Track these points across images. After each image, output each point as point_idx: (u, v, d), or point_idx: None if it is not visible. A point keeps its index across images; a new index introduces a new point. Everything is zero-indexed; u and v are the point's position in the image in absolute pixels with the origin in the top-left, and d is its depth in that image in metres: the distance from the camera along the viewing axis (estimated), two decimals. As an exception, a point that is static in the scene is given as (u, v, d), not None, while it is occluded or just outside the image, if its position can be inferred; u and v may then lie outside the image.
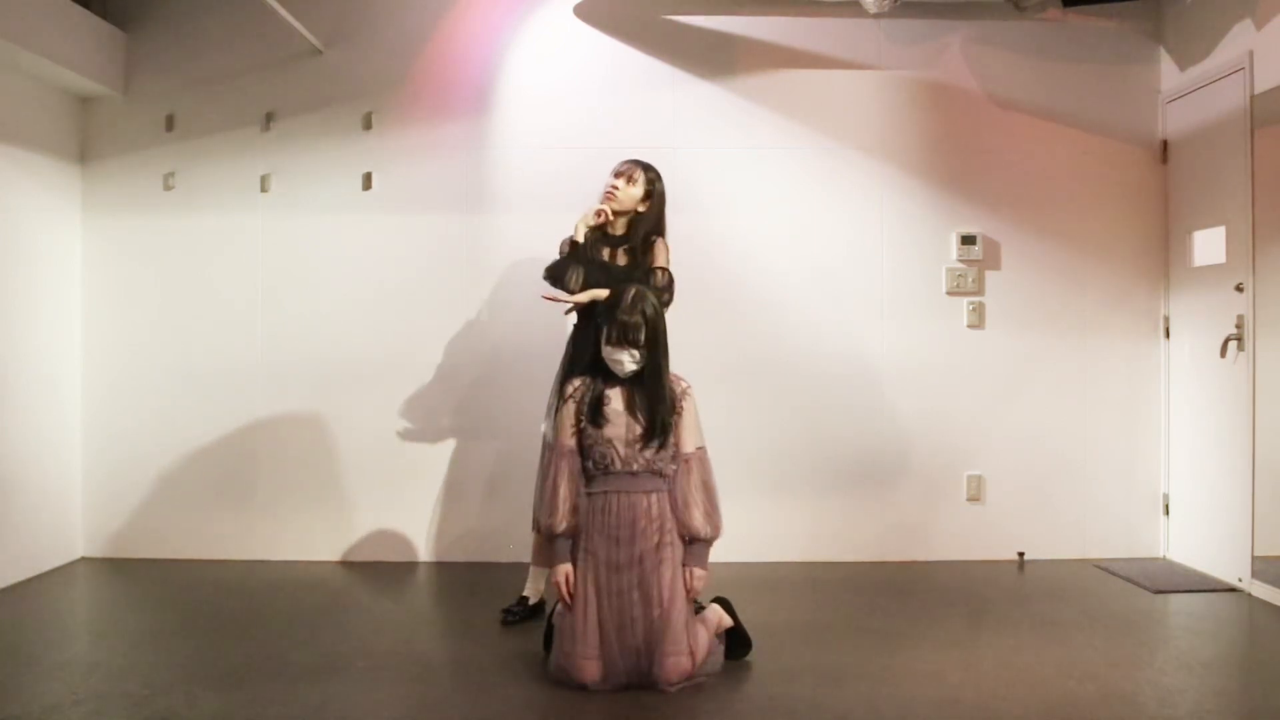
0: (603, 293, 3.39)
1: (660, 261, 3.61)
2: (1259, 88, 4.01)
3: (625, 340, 3.08)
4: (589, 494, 3.11)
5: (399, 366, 4.60)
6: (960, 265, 4.68)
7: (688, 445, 3.16)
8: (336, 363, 4.61)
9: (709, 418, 3.28)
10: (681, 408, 3.16)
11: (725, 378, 4.50)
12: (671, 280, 3.59)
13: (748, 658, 3.25)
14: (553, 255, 3.65)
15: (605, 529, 3.06)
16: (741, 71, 4.67)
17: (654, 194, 3.67)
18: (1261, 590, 3.98)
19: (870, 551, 4.63)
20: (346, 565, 4.57)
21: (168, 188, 4.65)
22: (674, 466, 3.14)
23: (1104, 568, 4.48)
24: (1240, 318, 4.10)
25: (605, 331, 3.11)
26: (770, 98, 4.67)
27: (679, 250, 3.71)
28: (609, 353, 3.11)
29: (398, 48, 4.65)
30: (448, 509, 4.61)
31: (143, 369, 4.63)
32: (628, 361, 3.10)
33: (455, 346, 4.62)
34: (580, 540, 3.09)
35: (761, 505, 4.56)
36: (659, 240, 3.66)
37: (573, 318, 3.71)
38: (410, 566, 4.56)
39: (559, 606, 3.14)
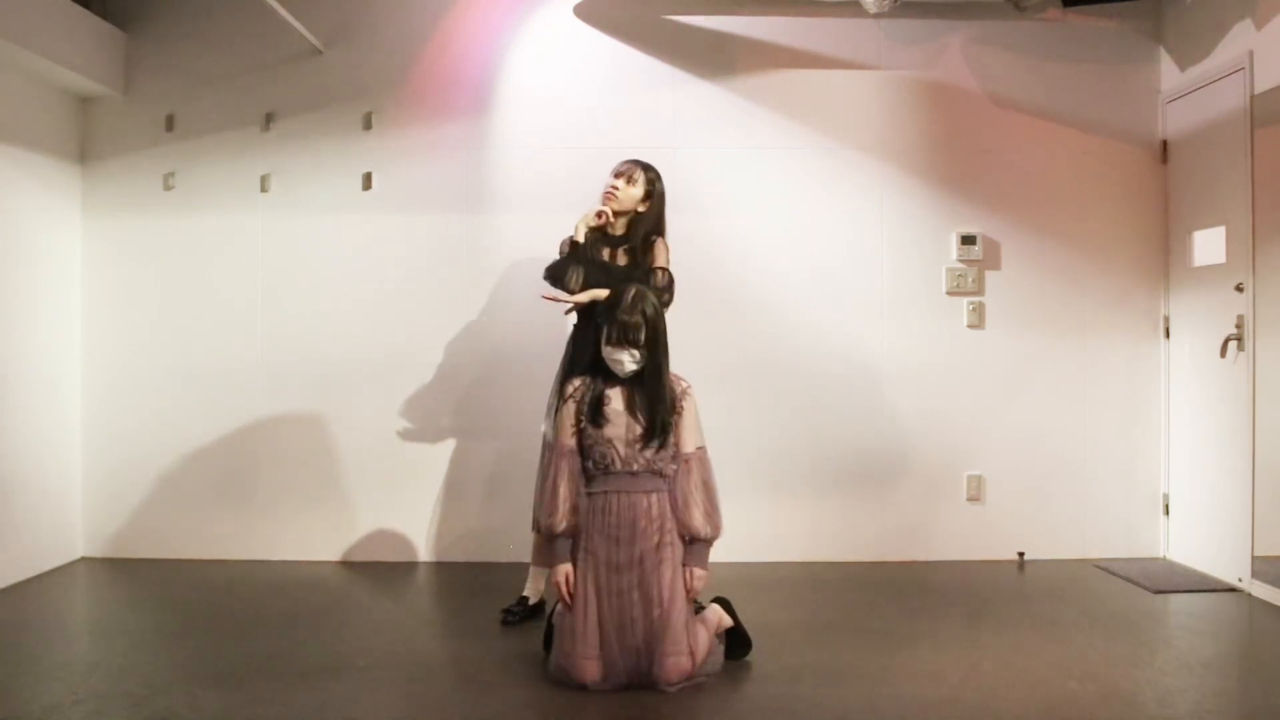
0: (603, 293, 3.39)
1: (660, 261, 3.61)
2: (1259, 88, 4.01)
3: (625, 340, 3.08)
4: (589, 494, 3.11)
5: (399, 366, 4.60)
6: (960, 265, 4.68)
7: (688, 445, 3.16)
8: (336, 363, 4.61)
9: (709, 418, 3.28)
10: (682, 408, 3.16)
11: (725, 378, 4.50)
12: (672, 280, 3.59)
13: (748, 658, 3.25)
14: (553, 255, 3.65)
15: (605, 529, 3.06)
16: (741, 71, 4.68)
17: (654, 194, 3.67)
18: (1261, 590, 3.98)
19: (870, 551, 4.63)
20: (346, 565, 4.57)
21: (168, 188, 4.65)
22: (674, 466, 3.14)
23: (1104, 568, 4.48)
24: (1240, 318, 4.10)
25: (605, 331, 3.11)
26: (770, 98, 4.67)
27: (679, 250, 3.72)
28: (609, 352, 3.11)
29: (398, 48, 4.65)
30: (448, 509, 4.61)
31: (143, 369, 4.63)
32: (628, 361, 3.10)
33: (455, 346, 4.62)
34: (580, 540, 3.09)
35: (761, 505, 4.57)
36: (659, 240, 3.66)
37: (573, 318, 3.71)
38: (410, 566, 4.56)
39: (559, 606, 3.14)
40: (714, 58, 4.67)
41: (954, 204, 4.68)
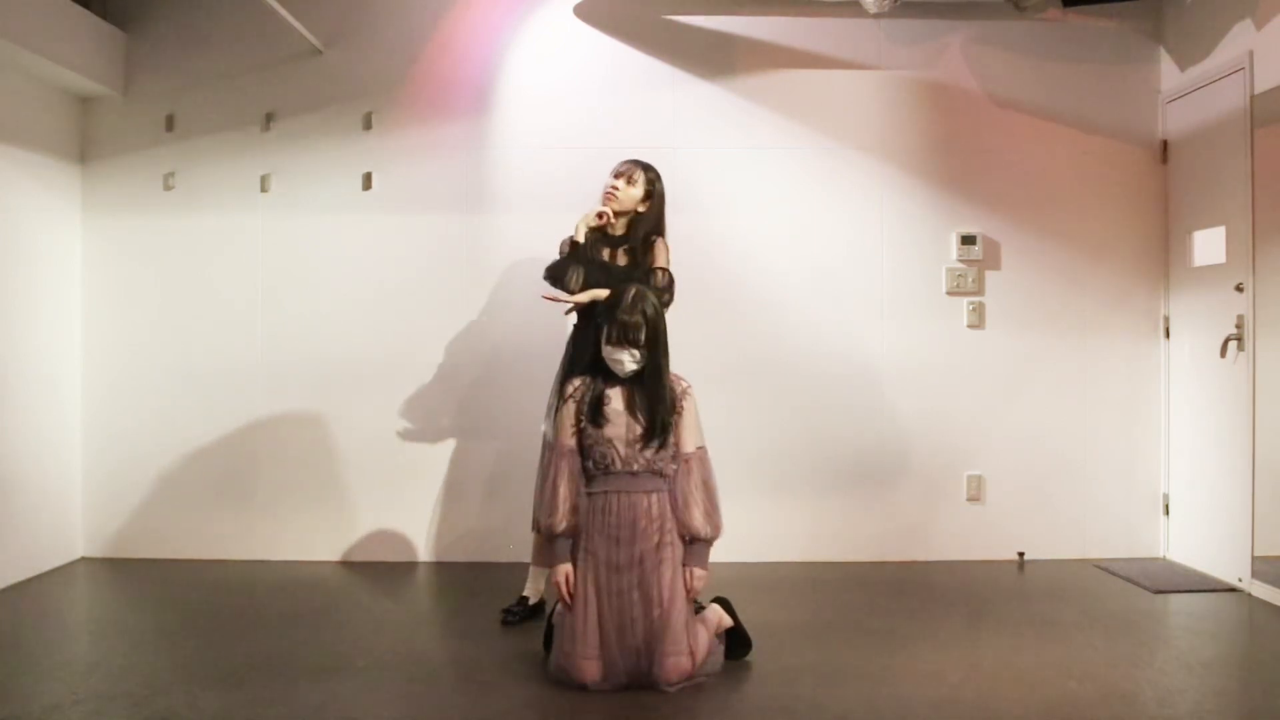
0: (603, 293, 3.39)
1: (660, 262, 3.62)
2: (1259, 88, 4.01)
3: (625, 340, 3.08)
4: (589, 494, 3.11)
5: (399, 366, 4.60)
6: (960, 265, 4.68)
7: (688, 445, 3.16)
8: (336, 363, 4.61)
9: (709, 418, 3.28)
10: (682, 407, 3.16)
11: (725, 378, 4.50)
12: (672, 280, 3.59)
13: (748, 658, 3.25)
14: (553, 255, 3.65)
15: (605, 529, 3.06)
16: (741, 71, 4.68)
17: (654, 194, 3.67)
18: (1261, 590, 3.98)
19: (870, 551, 4.63)
20: (346, 565, 4.57)
21: (168, 188, 4.65)
22: (674, 466, 3.14)
23: (1104, 568, 4.48)
24: (1240, 318, 4.10)
25: (605, 331, 3.11)
26: (770, 98, 4.67)
27: (679, 250, 3.72)
28: (609, 352, 3.11)
29: (398, 48, 4.65)
30: (448, 509, 4.61)
31: (143, 369, 4.63)
32: (628, 361, 3.10)
33: (455, 346, 4.62)
34: (580, 540, 3.09)
35: (761, 505, 4.57)
36: (659, 240, 3.66)
37: (573, 318, 3.71)
38: (410, 566, 4.56)
39: (559, 606, 3.14)
40: (714, 58, 4.67)
41: (954, 204, 4.68)
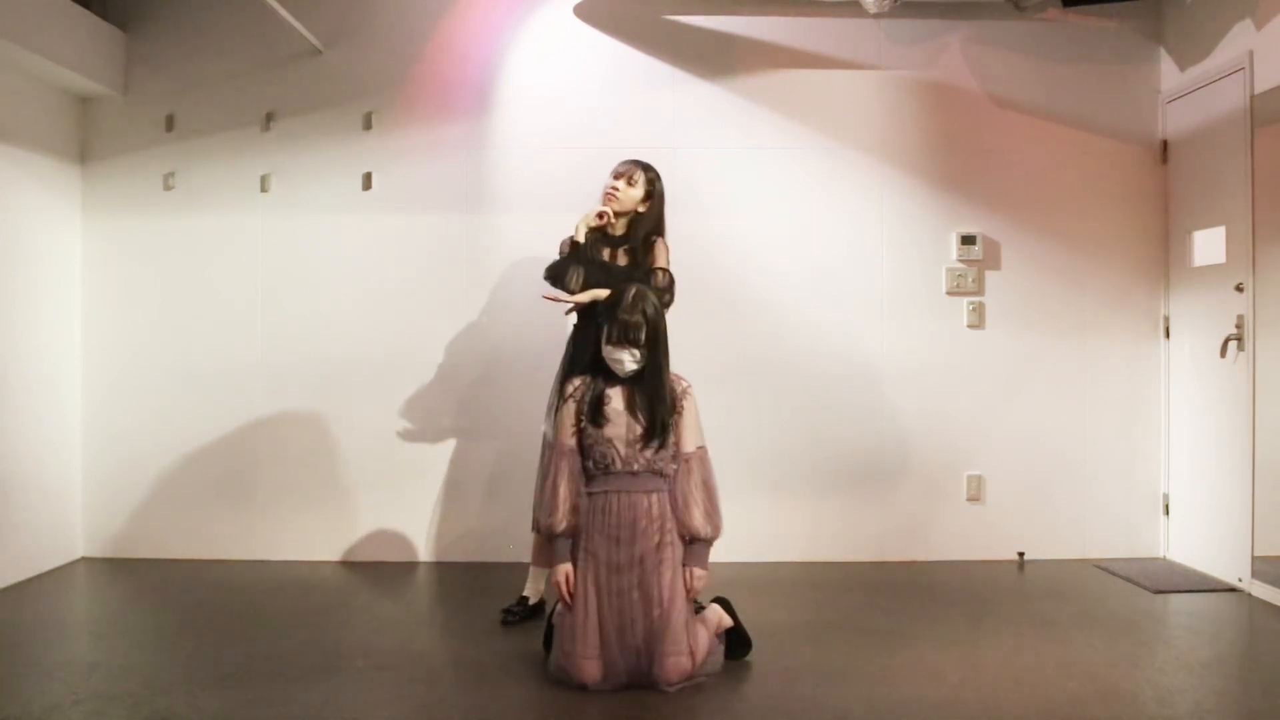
0: (603, 293, 3.39)
1: (661, 262, 3.62)
2: (1259, 88, 4.01)
3: (626, 340, 3.08)
4: (589, 494, 3.11)
5: (399, 366, 4.60)
6: (960, 265, 4.68)
7: (688, 445, 3.16)
8: (336, 363, 4.61)
9: (709, 418, 3.28)
10: (682, 407, 3.16)
11: (725, 378, 4.50)
12: (672, 281, 3.59)
13: (748, 658, 3.25)
14: (553, 255, 3.65)
15: (605, 529, 3.06)
16: (741, 71, 4.68)
17: (654, 194, 3.67)
18: (1261, 590, 3.98)
19: (870, 551, 4.63)
20: (347, 565, 4.57)
21: (168, 188, 4.65)
22: (674, 466, 3.14)
23: (1104, 568, 4.48)
24: (1240, 318, 4.10)
25: (606, 331, 3.11)
26: (770, 98, 4.67)
27: (679, 250, 3.72)
28: (609, 352, 3.11)
29: (398, 48, 4.65)
30: (448, 509, 4.61)
31: (143, 369, 4.63)
32: (628, 361, 3.10)
33: (455, 346, 4.62)
34: (580, 540, 3.09)
35: (761, 505, 4.57)
36: (659, 240, 3.66)
37: (573, 318, 3.71)
38: (410, 566, 4.56)
39: (559, 606, 3.14)
40: (714, 58, 4.67)
41: (954, 204, 4.68)
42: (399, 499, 4.60)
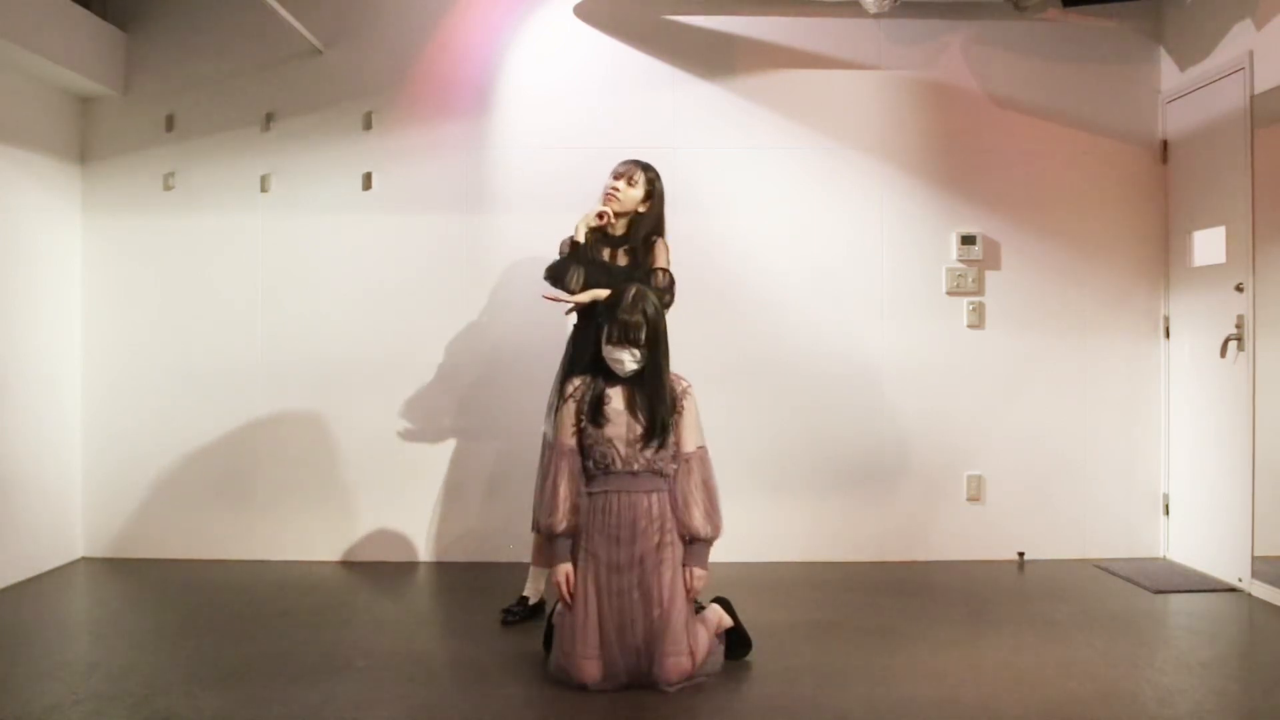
0: (603, 293, 3.39)
1: (661, 262, 3.62)
2: (1259, 88, 4.01)
3: (626, 339, 3.08)
4: (589, 494, 3.11)
5: (399, 366, 4.60)
6: (960, 265, 4.68)
7: (688, 445, 3.16)
8: (336, 363, 4.61)
9: (709, 418, 3.28)
10: (682, 407, 3.16)
11: (725, 378, 4.50)
12: (673, 281, 3.59)
13: (748, 658, 3.26)
14: (553, 255, 3.65)
15: (606, 529, 3.06)
16: (741, 71, 4.68)
17: (654, 194, 3.67)
18: (1261, 590, 3.98)
19: (870, 551, 4.63)
20: (347, 565, 4.57)
21: (168, 188, 4.65)
22: (674, 466, 3.14)
23: (1104, 568, 4.48)
24: (1240, 318, 4.10)
25: (606, 330, 3.11)
26: (770, 98, 4.67)
27: (679, 250, 3.71)
28: (609, 352, 3.11)
29: (398, 48, 4.65)
30: (448, 509, 4.61)
31: (143, 369, 4.63)
32: (628, 361, 3.09)
33: (455, 346, 4.62)
34: (580, 540, 3.09)
35: (761, 505, 4.56)
36: (659, 241, 3.66)
37: (573, 318, 3.71)
38: (410, 566, 4.56)
39: (559, 606, 3.14)
40: (714, 58, 4.67)
41: (954, 204, 4.68)
42: (399, 499, 4.60)
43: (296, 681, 3.04)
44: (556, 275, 3.57)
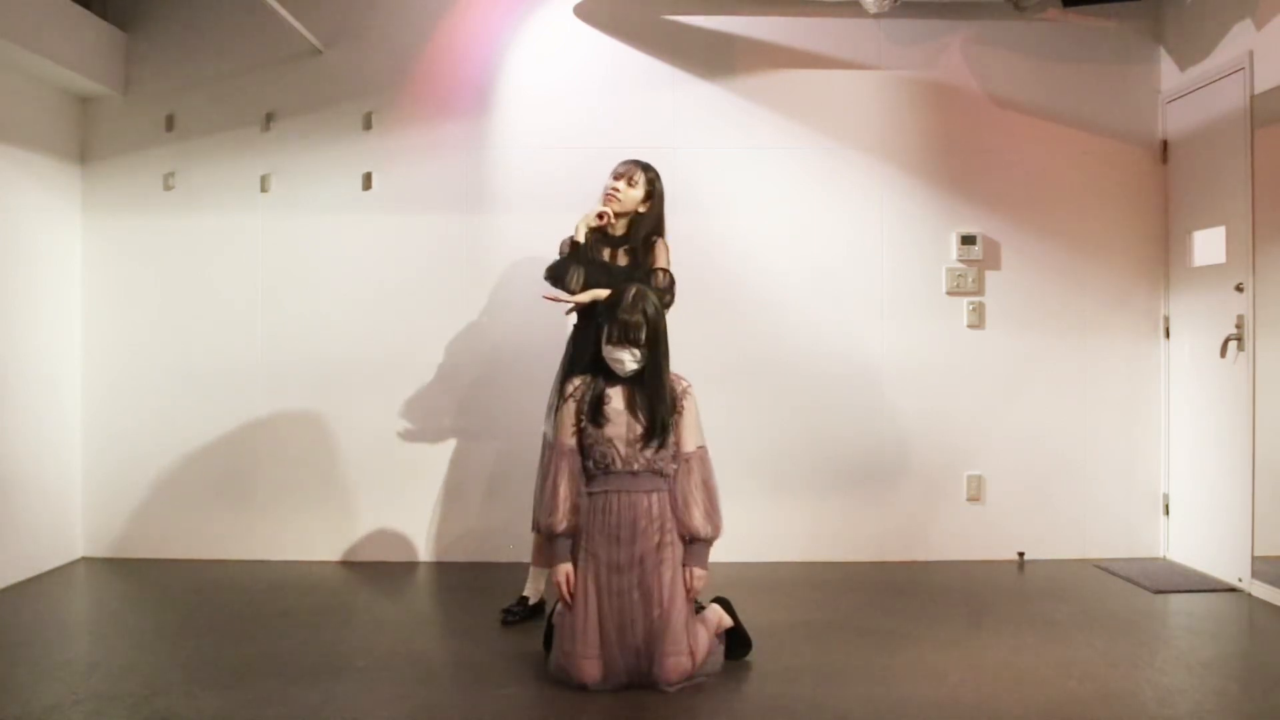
0: (603, 293, 3.39)
1: (661, 262, 3.62)
2: (1259, 88, 4.01)
3: (626, 339, 3.07)
4: (589, 493, 3.11)
5: (399, 366, 4.60)
6: (960, 265, 4.68)
7: (688, 445, 3.15)
8: (336, 363, 4.61)
9: (709, 418, 3.28)
10: (682, 407, 3.16)
11: (725, 378, 4.50)
12: (673, 281, 3.59)
13: (748, 658, 3.26)
14: (553, 255, 3.65)
15: (606, 529, 3.06)
16: (741, 71, 4.68)
17: (654, 194, 3.67)
18: (1261, 590, 3.98)
19: (870, 551, 4.63)
20: (347, 565, 4.57)
21: (168, 188, 4.65)
22: (674, 466, 3.14)
23: (1104, 568, 4.48)
24: (1240, 318, 4.10)
25: (606, 330, 3.11)
26: (770, 98, 4.67)
27: (679, 250, 3.71)
28: (610, 352, 3.11)
29: (398, 48, 4.65)
30: (448, 509, 4.61)
31: (143, 369, 4.63)
32: (628, 360, 3.09)
33: (455, 346, 4.62)
34: (580, 540, 3.09)
35: (761, 505, 4.56)
36: (659, 241, 3.66)
37: (573, 318, 3.71)
38: (410, 566, 4.56)
39: (559, 606, 3.14)
40: (714, 58, 4.67)
41: (954, 204, 4.68)
42: (399, 499, 4.60)
43: (296, 681, 3.04)
44: (557, 275, 3.57)
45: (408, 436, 4.60)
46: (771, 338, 4.64)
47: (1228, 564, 4.19)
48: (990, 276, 4.69)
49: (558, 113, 4.64)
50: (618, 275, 3.53)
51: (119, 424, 4.63)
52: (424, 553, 4.62)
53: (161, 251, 4.65)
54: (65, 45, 4.20)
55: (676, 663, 2.98)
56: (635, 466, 3.10)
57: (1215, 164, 4.31)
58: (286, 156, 4.64)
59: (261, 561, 4.56)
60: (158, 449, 4.62)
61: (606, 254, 3.64)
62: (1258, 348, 4.02)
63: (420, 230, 4.63)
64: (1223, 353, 4.16)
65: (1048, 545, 4.64)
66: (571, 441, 3.14)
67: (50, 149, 4.45)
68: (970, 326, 4.68)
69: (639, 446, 3.10)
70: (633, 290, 3.16)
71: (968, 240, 4.66)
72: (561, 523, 3.09)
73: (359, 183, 4.63)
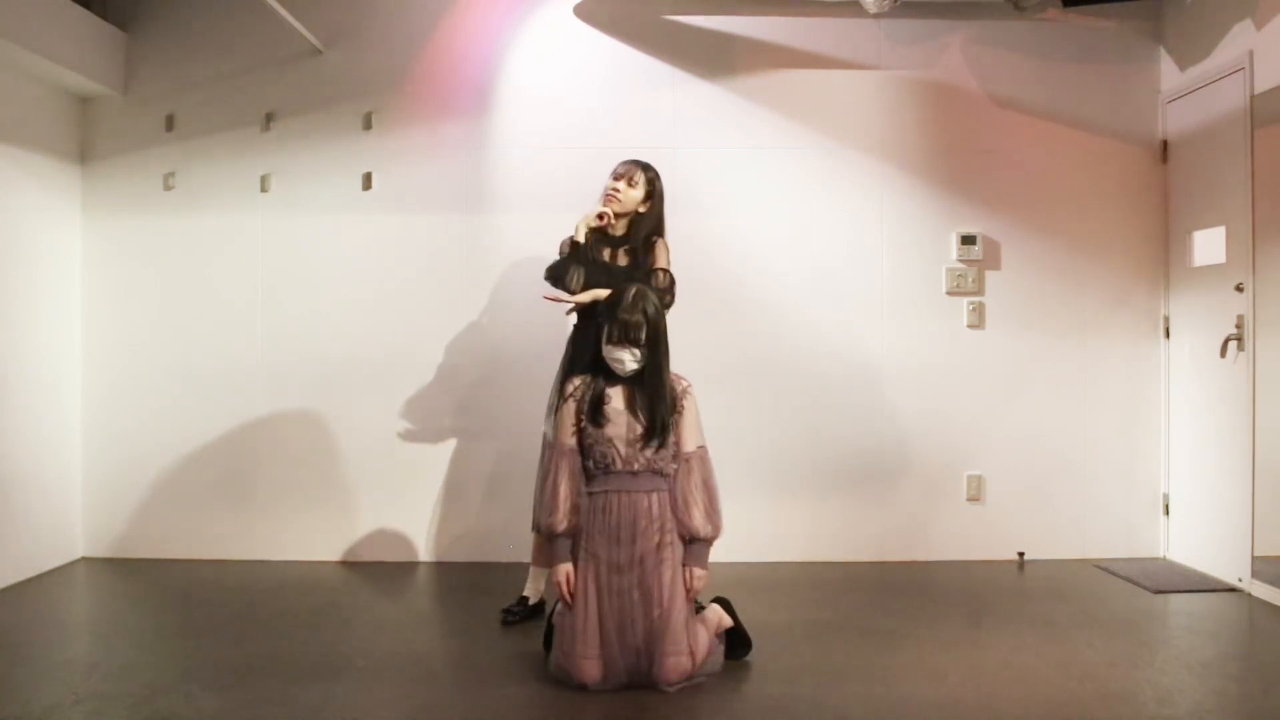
0: (604, 293, 3.39)
1: (661, 263, 3.62)
2: (1259, 88, 4.01)
3: (626, 339, 3.08)
4: (589, 493, 3.11)
5: (399, 366, 4.60)
6: (960, 265, 4.68)
7: (688, 444, 3.15)
8: (336, 363, 4.61)
9: (709, 418, 3.28)
10: (682, 407, 3.16)
11: (725, 378, 4.50)
12: (673, 281, 3.59)
13: (748, 658, 3.26)
14: (553, 255, 3.65)
15: (606, 529, 3.06)
16: (741, 71, 4.68)
17: (654, 194, 3.67)
18: (1261, 590, 3.98)
19: (870, 551, 4.63)
20: (347, 565, 4.57)
21: (168, 188, 4.65)
22: (674, 466, 3.14)
23: (1104, 568, 4.48)
24: (1240, 318, 4.10)
25: (606, 330, 3.11)
26: (770, 98, 4.67)
27: (679, 250, 3.71)
28: (610, 351, 3.11)
29: (398, 48, 4.65)
30: (448, 509, 4.61)
31: (143, 369, 4.63)
32: (628, 360, 3.09)
33: (455, 346, 4.62)
34: (580, 540, 3.09)
35: (761, 505, 4.56)
36: (659, 241, 3.66)
37: (573, 318, 3.71)
38: (410, 566, 4.56)
39: (559, 606, 3.14)
40: (714, 58, 4.67)
41: (954, 204, 4.68)
42: (399, 499, 4.60)
43: (296, 681, 3.04)
44: (557, 275, 3.57)
45: (408, 436, 4.60)
46: (771, 338, 4.64)
47: (1228, 564, 4.19)
48: (990, 276, 4.69)
49: (558, 113, 4.64)
50: (618, 275, 3.53)
51: (119, 424, 4.63)
52: (424, 553, 4.62)
53: (161, 251, 4.65)
54: (65, 45, 4.20)
55: (676, 663, 2.98)
56: (635, 466, 3.10)
57: (1215, 164, 4.31)
58: (286, 156, 4.64)
59: (261, 561, 4.56)
60: (158, 449, 4.62)
61: (606, 254, 3.64)
62: (1258, 348, 4.02)
63: (420, 230, 4.63)
64: (1223, 353, 4.16)
65: (1048, 545, 4.64)
66: (572, 441, 3.14)
67: (50, 149, 4.45)
68: (970, 326, 4.68)
69: (639, 446, 3.10)
70: (633, 290, 3.16)
71: (968, 240, 4.66)
72: (561, 523, 3.09)
73: (359, 183, 4.63)
